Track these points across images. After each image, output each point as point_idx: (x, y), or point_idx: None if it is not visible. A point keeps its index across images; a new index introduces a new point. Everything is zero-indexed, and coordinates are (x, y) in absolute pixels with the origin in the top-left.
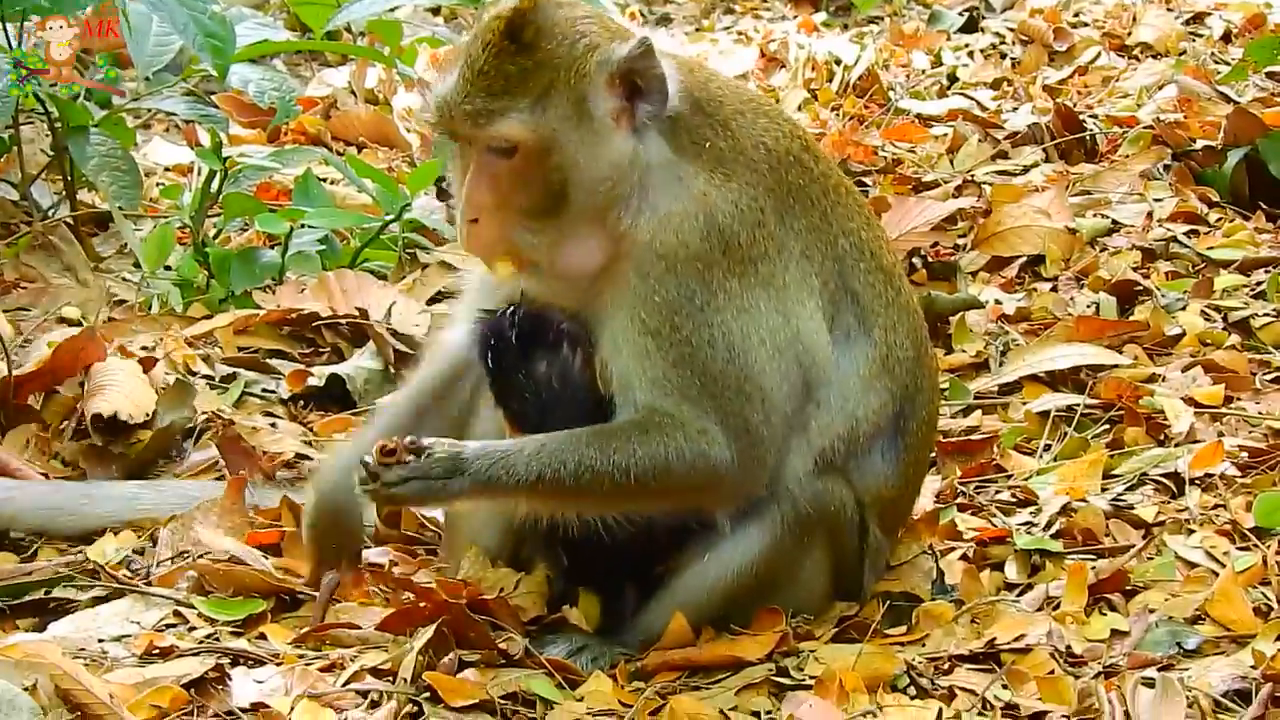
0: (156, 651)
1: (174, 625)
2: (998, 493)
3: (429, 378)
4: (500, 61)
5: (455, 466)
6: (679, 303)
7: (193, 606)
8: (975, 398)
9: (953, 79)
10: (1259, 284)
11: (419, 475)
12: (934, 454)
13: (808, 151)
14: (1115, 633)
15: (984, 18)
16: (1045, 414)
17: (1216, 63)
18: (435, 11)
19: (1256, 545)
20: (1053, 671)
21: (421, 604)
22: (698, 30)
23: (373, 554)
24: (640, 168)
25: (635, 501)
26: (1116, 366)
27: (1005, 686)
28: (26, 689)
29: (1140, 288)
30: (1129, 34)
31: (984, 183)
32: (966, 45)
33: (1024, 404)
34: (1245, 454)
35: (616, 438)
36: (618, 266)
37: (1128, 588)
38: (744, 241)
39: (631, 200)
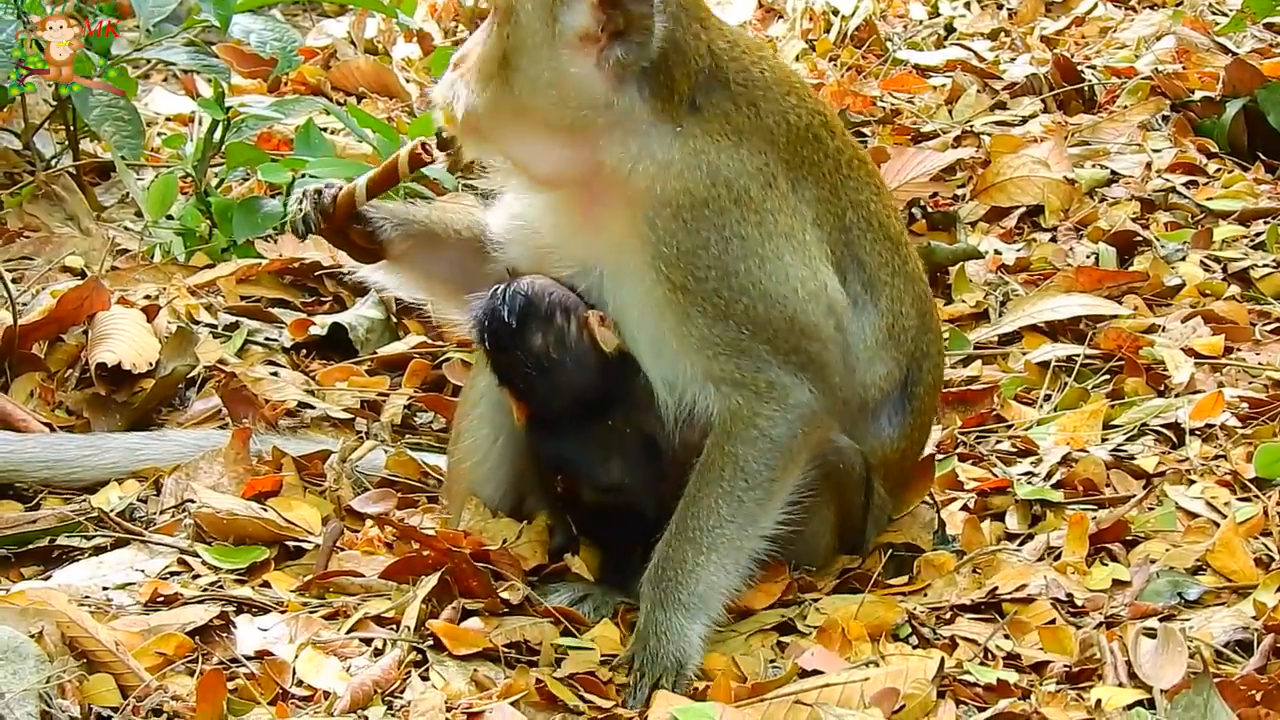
0: (161, 599)
1: (178, 573)
2: (998, 443)
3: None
4: None
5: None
6: (694, 252)
7: (197, 554)
8: (975, 348)
9: (950, 29)
10: (1258, 234)
11: None
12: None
13: (826, 128)
14: (1116, 583)
15: None
16: (1045, 364)
17: (1214, 13)
18: None
19: (1257, 496)
20: (1054, 621)
21: (425, 553)
22: None
23: (375, 503)
24: (617, 112)
25: (789, 485)
26: (1116, 317)
27: (1007, 636)
28: (32, 636)
29: (1140, 238)
30: None
31: (983, 133)
32: None
33: (1024, 354)
34: (1245, 405)
35: (724, 473)
36: (619, 215)
37: (1128, 538)
38: (755, 195)
39: (627, 145)
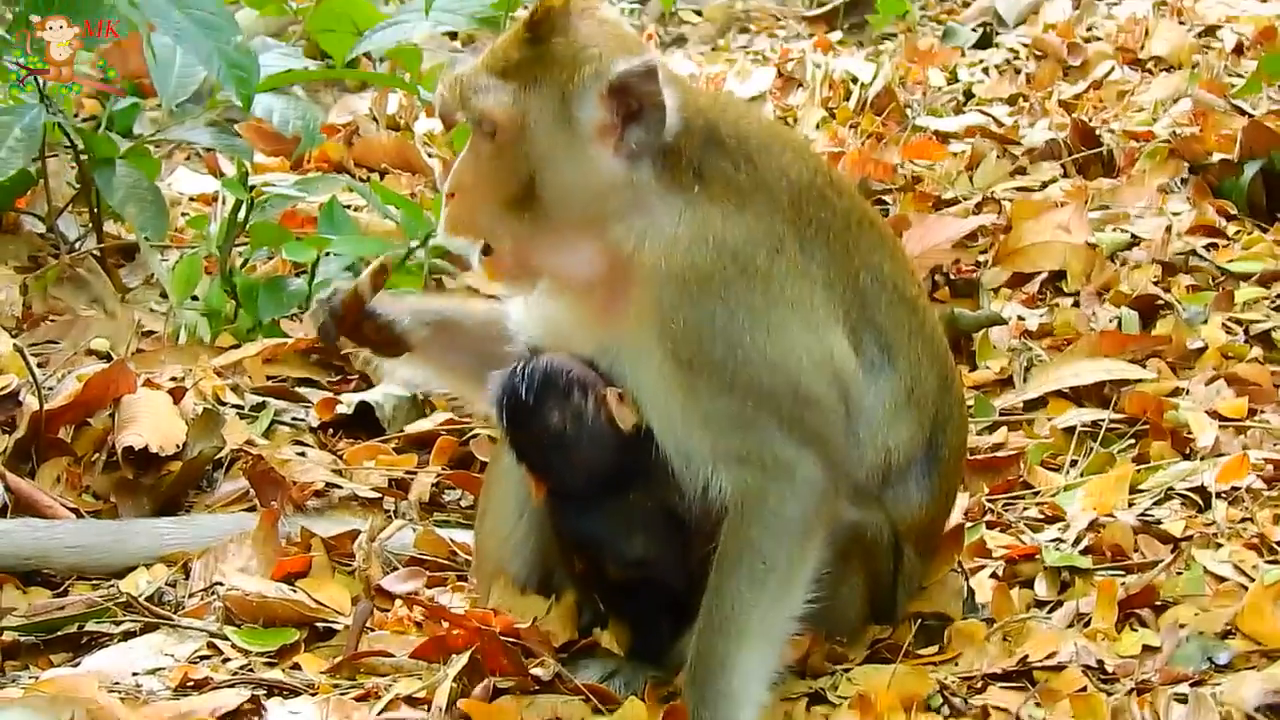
0: (191, 684)
1: (208, 657)
2: (1026, 509)
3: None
4: (511, 48)
5: None
6: (700, 326)
7: (226, 638)
8: (1000, 414)
9: (969, 95)
10: (1279, 296)
11: None
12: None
13: (831, 186)
14: (1146, 648)
15: (998, 33)
16: (1071, 429)
17: (1230, 76)
18: (453, 36)
19: None
20: (1085, 688)
21: (455, 631)
22: (713, 50)
23: (404, 582)
24: (633, 191)
25: (810, 563)
26: (1140, 381)
27: (1038, 704)
28: None
29: (1161, 301)
30: (1142, 48)
31: (1003, 199)
32: (981, 61)
33: (1049, 420)
34: (1270, 467)
35: (742, 558)
36: (630, 293)
37: (1157, 603)
38: (762, 263)
39: (633, 222)
